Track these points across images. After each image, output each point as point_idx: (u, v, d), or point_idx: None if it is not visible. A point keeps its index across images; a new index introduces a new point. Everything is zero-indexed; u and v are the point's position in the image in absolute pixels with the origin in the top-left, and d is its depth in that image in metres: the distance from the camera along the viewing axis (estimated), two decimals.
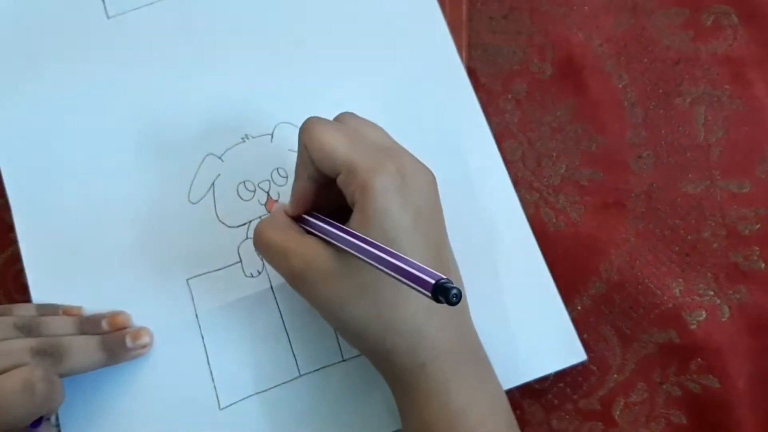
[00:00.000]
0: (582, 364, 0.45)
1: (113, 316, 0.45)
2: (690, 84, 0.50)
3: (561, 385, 0.45)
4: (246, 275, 0.47)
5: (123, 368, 0.45)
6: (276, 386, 0.45)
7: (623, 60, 0.50)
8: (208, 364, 0.46)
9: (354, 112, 0.42)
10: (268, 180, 0.48)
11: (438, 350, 0.38)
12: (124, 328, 0.45)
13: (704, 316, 0.46)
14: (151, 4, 0.51)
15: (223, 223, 0.47)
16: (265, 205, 0.48)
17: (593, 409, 0.45)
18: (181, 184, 0.48)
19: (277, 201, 0.48)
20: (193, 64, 0.50)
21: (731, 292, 0.46)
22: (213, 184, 0.48)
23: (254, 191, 0.48)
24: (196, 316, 0.46)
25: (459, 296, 0.30)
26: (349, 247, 0.37)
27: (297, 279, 0.39)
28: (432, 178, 0.40)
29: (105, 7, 0.51)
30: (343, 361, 0.45)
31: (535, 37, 0.51)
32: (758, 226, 0.47)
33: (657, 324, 0.46)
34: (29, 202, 0.48)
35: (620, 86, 0.50)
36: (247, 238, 0.47)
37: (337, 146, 0.38)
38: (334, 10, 0.51)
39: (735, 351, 0.45)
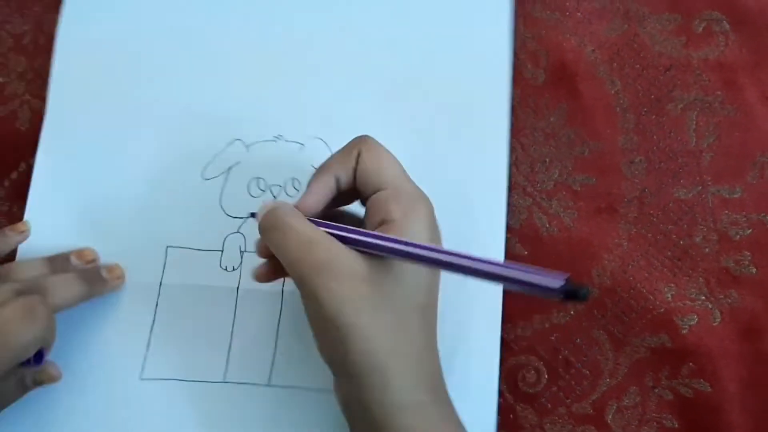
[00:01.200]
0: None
1: (80, 250, 0.46)
2: (682, 90, 0.50)
3: (554, 389, 0.46)
4: (221, 267, 0.47)
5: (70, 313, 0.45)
6: (199, 381, 0.45)
7: (616, 66, 0.51)
8: (151, 331, 0.46)
9: (394, 136, 0.42)
10: (280, 186, 0.48)
11: (430, 397, 0.37)
12: (92, 261, 0.46)
13: (696, 320, 0.46)
14: None
15: (223, 209, 0.48)
16: None
17: (586, 413, 0.45)
18: (202, 158, 0.49)
19: None
20: (260, 50, 0.50)
21: (723, 296, 0.47)
22: (229, 169, 0.48)
23: (264, 191, 0.48)
24: (161, 283, 0.47)
25: (588, 292, 0.30)
26: (436, 261, 0.35)
27: (317, 270, 0.37)
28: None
29: None
30: (269, 386, 0.45)
31: (529, 43, 0.51)
32: (749, 231, 0.47)
33: (649, 328, 0.46)
34: (60, 134, 0.49)
35: (613, 92, 0.50)
36: (237, 232, 0.47)
37: (391, 165, 0.40)
38: (402, 28, 0.51)
39: (726, 355, 0.45)
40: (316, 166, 0.41)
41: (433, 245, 0.36)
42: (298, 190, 0.48)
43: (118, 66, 0.51)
